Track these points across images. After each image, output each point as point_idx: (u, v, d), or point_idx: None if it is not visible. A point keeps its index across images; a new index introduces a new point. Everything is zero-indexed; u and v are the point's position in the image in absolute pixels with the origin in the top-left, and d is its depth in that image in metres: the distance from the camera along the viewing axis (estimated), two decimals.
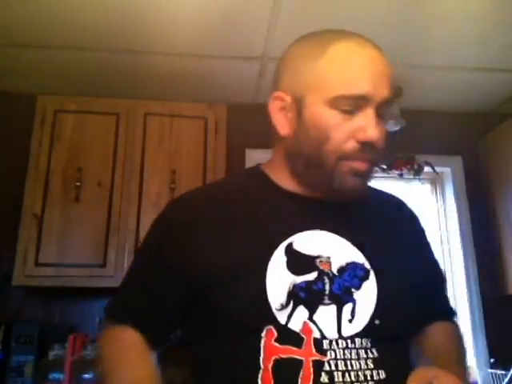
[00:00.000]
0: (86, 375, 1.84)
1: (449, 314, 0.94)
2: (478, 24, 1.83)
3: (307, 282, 0.72)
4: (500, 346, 2.23)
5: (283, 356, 0.68)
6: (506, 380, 2.06)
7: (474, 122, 2.55)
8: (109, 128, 2.08)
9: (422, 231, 0.95)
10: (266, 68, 2.12)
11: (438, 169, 2.47)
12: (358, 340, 0.70)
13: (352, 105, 0.74)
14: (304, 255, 0.74)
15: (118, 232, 1.95)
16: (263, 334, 0.69)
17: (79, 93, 2.18)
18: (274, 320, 0.69)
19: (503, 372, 2.09)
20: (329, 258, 0.75)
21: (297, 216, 0.79)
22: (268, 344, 0.68)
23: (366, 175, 0.78)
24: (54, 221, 1.94)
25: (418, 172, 2.43)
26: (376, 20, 1.77)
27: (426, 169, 2.44)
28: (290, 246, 0.74)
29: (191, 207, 0.82)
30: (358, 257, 0.77)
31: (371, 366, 0.69)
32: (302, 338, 0.69)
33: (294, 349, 0.68)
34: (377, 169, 0.80)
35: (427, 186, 2.63)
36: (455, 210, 2.48)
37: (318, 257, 0.74)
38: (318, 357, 0.68)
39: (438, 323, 0.89)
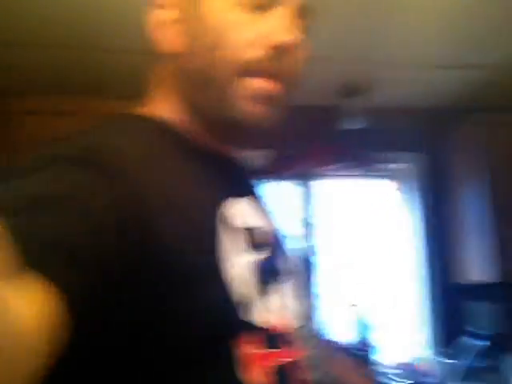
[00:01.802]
0: None
1: None
2: (436, 21, 1.82)
3: (263, 261, 0.56)
4: (455, 335, 2.27)
5: (272, 365, 0.51)
6: (461, 369, 2.13)
7: (437, 118, 2.51)
8: None
9: None
10: None
11: (401, 166, 2.50)
12: (307, 323, 0.63)
13: None
14: (243, 229, 0.56)
15: None
16: (235, 344, 0.48)
17: (77, 93, 2.10)
18: (246, 319, 0.50)
19: (457, 361, 2.14)
20: (260, 228, 0.59)
21: (213, 179, 0.59)
22: (250, 354, 0.49)
23: (273, 100, 0.56)
24: None
25: (382, 169, 2.46)
26: (338, 18, 1.74)
27: (391, 166, 2.47)
28: (225, 218, 0.54)
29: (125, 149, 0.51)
30: (270, 223, 0.64)
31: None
32: (281, 334, 0.54)
33: (277, 351, 0.52)
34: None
35: (391, 183, 2.64)
36: (419, 206, 2.51)
37: (253, 229, 0.58)
38: (299, 353, 0.56)
39: None
